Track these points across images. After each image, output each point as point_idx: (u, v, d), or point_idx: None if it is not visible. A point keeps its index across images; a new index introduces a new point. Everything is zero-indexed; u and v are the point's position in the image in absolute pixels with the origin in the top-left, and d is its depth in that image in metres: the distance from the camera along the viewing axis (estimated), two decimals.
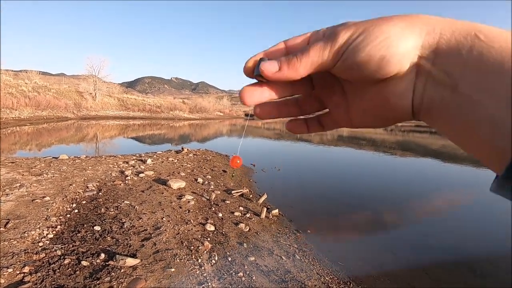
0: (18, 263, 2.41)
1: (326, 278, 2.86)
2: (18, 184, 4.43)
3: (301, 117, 0.34)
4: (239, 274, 2.63)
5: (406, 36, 0.23)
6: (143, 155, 8.37)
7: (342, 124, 0.32)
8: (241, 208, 4.51)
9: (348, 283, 2.84)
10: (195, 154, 9.04)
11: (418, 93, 0.24)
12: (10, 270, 2.29)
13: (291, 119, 0.34)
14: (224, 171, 7.28)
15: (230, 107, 60.00)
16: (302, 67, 0.26)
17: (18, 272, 2.29)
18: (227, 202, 4.72)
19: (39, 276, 2.26)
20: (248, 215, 4.24)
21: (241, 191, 5.34)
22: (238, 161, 0.36)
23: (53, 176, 5.13)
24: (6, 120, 17.67)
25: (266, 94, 0.29)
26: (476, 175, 9.23)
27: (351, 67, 0.25)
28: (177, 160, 7.83)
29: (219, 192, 5.19)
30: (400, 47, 0.23)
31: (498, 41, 0.20)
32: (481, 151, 0.22)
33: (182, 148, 9.46)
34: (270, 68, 0.27)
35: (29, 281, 2.18)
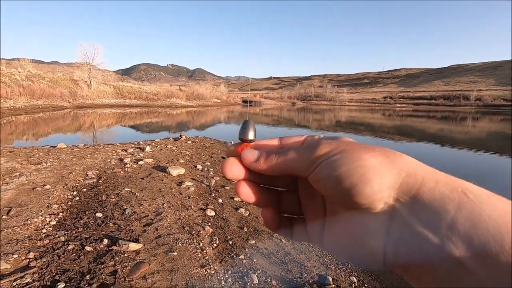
0: (23, 249, 2.45)
1: (325, 259, 2.93)
2: (17, 173, 4.43)
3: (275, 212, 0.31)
4: (240, 257, 2.70)
5: (383, 173, 0.21)
6: (141, 143, 8.36)
7: (313, 238, 0.29)
8: None
9: (347, 264, 2.92)
10: (193, 141, 9.04)
11: (392, 240, 0.21)
12: (15, 256, 2.33)
13: (268, 209, 0.31)
14: (223, 157, 7.30)
15: (228, 94, 59.49)
16: (276, 165, 0.27)
17: (23, 257, 2.33)
18: (227, 188, 4.77)
19: (44, 261, 2.31)
20: None
21: None
22: (248, 147, 0.32)
23: (52, 165, 5.13)
24: (1, 110, 17.47)
25: (242, 174, 0.29)
26: (473, 159, 9.34)
27: (323, 180, 0.24)
28: (176, 147, 7.83)
29: (218, 178, 5.23)
30: (374, 182, 0.21)
31: (488, 204, 0.19)
32: None
33: (181, 136, 9.44)
34: (249, 157, 0.28)
35: (34, 266, 2.23)
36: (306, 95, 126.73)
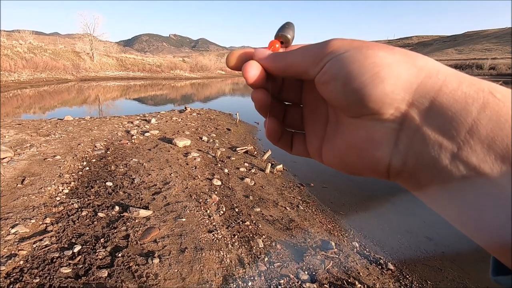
0: (40, 215, 2.58)
1: (328, 226, 3.03)
2: (28, 144, 4.54)
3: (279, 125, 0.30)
4: (246, 223, 2.80)
5: (399, 72, 0.19)
6: (147, 115, 8.38)
7: (311, 153, 0.28)
8: (246, 164, 4.63)
9: (349, 230, 3.02)
10: (198, 113, 9.02)
11: (400, 149, 0.19)
12: (33, 221, 2.46)
13: (272, 120, 0.29)
14: (228, 129, 7.32)
15: None
16: (284, 62, 0.25)
17: (40, 222, 2.46)
18: (232, 158, 4.83)
19: (60, 226, 2.43)
20: (253, 171, 4.36)
21: (245, 148, 5.43)
22: (277, 45, 0.28)
23: (61, 137, 5.22)
24: (6, 83, 17.48)
25: (260, 75, 0.27)
26: None
27: (329, 81, 0.21)
28: (181, 119, 7.84)
29: (224, 150, 5.28)
30: (386, 82, 0.18)
31: None
32: (487, 240, 0.17)
33: (186, 108, 9.41)
34: (259, 54, 0.27)
35: (52, 230, 2.36)
36: None
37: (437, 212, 0.20)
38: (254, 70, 0.26)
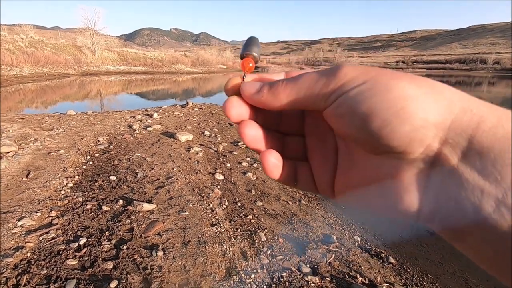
0: (45, 208, 2.61)
1: (330, 220, 3.06)
2: (32, 139, 4.57)
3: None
4: (248, 217, 2.83)
5: (429, 104, 0.16)
6: (149, 109, 8.39)
7: (321, 188, 0.25)
8: (248, 159, 4.64)
9: (351, 224, 3.04)
10: (200, 108, 9.02)
11: (432, 193, 0.17)
12: (39, 214, 2.50)
13: (270, 153, 0.24)
14: (230, 124, 7.32)
15: (234, 60, 57.84)
16: (284, 95, 0.21)
17: (46, 215, 2.50)
18: (235, 153, 4.85)
19: (65, 219, 2.47)
20: (255, 165, 4.38)
21: None
22: (251, 64, 0.26)
23: (64, 131, 5.25)
24: (8, 78, 17.51)
25: (247, 114, 0.24)
26: None
27: (344, 116, 0.19)
28: (183, 114, 7.86)
29: (226, 144, 5.30)
30: (415, 117, 0.16)
31: None
32: None
33: (187, 102, 9.41)
34: (249, 89, 0.23)
35: (57, 223, 2.39)
36: (315, 60, 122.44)
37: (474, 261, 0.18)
38: (236, 109, 0.24)
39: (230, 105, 0.24)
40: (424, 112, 0.16)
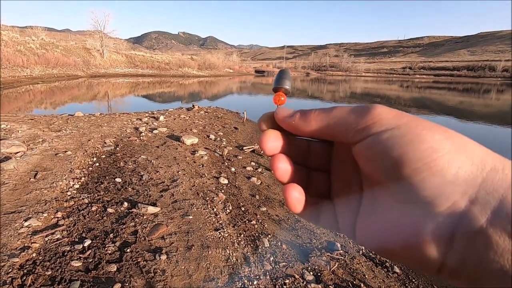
0: (51, 209, 2.64)
1: None
2: (40, 139, 4.64)
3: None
4: (252, 222, 2.82)
5: (461, 160, 0.17)
6: (155, 112, 8.47)
7: (343, 228, 0.25)
8: (252, 163, 4.64)
9: None
10: (206, 111, 9.07)
11: (457, 249, 0.17)
12: (45, 214, 2.53)
13: (294, 187, 0.25)
14: (236, 128, 7.35)
15: (240, 64, 58.21)
16: (316, 121, 0.22)
17: (52, 216, 2.53)
18: (239, 157, 4.86)
19: (71, 220, 2.50)
20: (259, 170, 4.38)
21: (252, 147, 5.45)
22: (283, 98, 0.27)
23: (72, 132, 5.33)
24: (19, 78, 17.87)
25: (279, 146, 0.25)
26: (492, 133, 9.02)
27: (375, 157, 0.19)
28: (189, 117, 7.91)
29: (231, 148, 5.31)
30: (446, 170, 0.16)
31: None
32: None
33: (193, 105, 9.48)
34: (283, 112, 0.24)
35: (63, 224, 2.42)
36: (321, 65, 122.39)
37: None
38: (271, 143, 0.24)
39: (266, 139, 0.24)
40: (456, 167, 0.16)
